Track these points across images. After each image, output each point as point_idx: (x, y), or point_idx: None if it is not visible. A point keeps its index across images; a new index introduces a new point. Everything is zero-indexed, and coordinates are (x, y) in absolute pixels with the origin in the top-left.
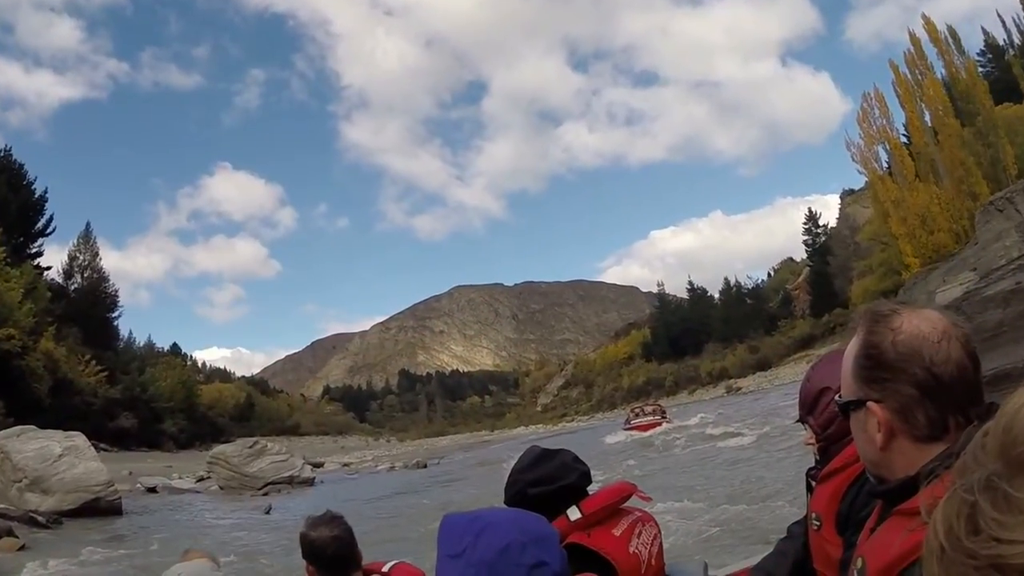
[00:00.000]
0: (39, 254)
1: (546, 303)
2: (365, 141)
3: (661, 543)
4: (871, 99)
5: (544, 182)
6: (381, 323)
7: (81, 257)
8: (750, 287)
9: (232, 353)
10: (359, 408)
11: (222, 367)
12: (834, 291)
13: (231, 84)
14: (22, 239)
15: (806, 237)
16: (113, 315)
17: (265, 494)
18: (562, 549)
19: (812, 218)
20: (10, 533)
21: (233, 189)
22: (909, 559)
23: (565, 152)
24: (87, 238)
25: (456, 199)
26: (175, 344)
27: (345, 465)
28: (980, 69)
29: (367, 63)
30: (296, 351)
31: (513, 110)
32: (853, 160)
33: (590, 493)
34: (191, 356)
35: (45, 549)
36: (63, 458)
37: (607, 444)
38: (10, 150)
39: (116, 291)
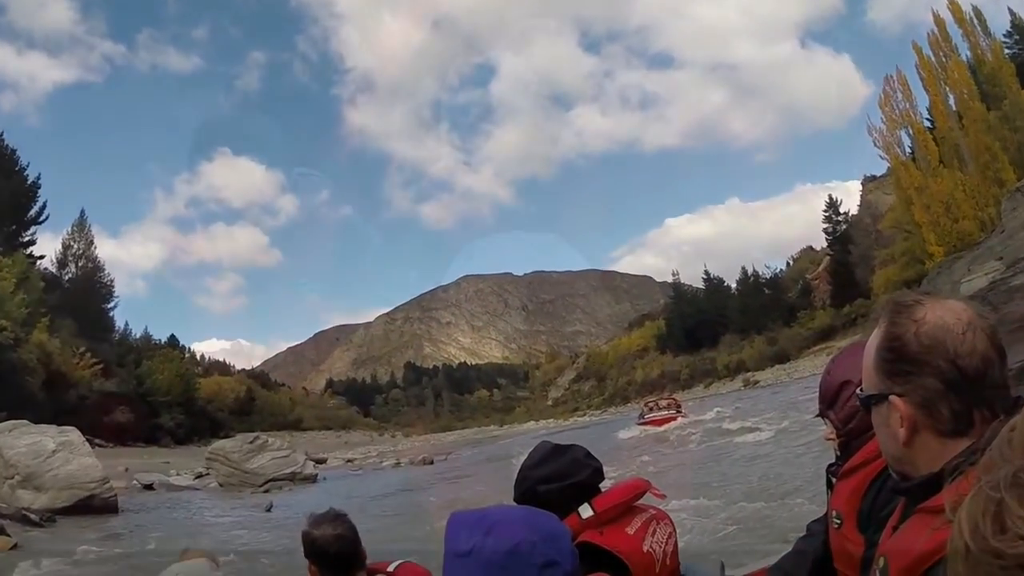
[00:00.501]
0: (32, 243)
1: (557, 293)
2: (370, 126)
3: (676, 542)
4: (894, 82)
5: (555, 168)
6: (386, 314)
7: (75, 246)
8: (768, 277)
9: (232, 345)
10: (363, 402)
11: (221, 359)
12: (855, 281)
13: (231, 67)
14: (14, 227)
15: (826, 225)
16: (108, 306)
17: (266, 491)
18: (574, 548)
19: (832, 205)
20: (2, 532)
21: (233, 175)
22: (933, 558)
23: (577, 137)
24: (81, 226)
25: (464, 185)
26: (172, 336)
27: (349, 461)
28: (1006, 51)
29: (372, 45)
30: (298, 343)
31: (523, 93)
32: (875, 145)
33: (603, 490)
34: (189, 348)
35: (38, 548)
36: (57, 454)
37: (620, 439)
38: (2, 135)
39: (111, 281)
